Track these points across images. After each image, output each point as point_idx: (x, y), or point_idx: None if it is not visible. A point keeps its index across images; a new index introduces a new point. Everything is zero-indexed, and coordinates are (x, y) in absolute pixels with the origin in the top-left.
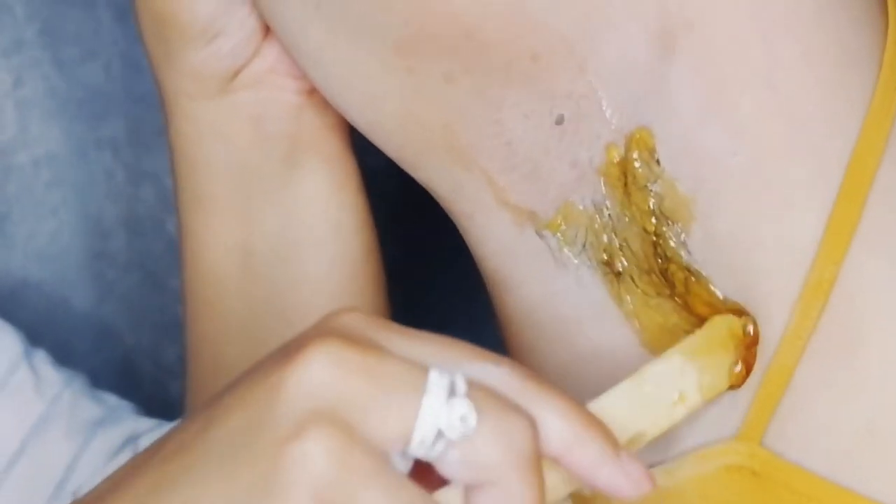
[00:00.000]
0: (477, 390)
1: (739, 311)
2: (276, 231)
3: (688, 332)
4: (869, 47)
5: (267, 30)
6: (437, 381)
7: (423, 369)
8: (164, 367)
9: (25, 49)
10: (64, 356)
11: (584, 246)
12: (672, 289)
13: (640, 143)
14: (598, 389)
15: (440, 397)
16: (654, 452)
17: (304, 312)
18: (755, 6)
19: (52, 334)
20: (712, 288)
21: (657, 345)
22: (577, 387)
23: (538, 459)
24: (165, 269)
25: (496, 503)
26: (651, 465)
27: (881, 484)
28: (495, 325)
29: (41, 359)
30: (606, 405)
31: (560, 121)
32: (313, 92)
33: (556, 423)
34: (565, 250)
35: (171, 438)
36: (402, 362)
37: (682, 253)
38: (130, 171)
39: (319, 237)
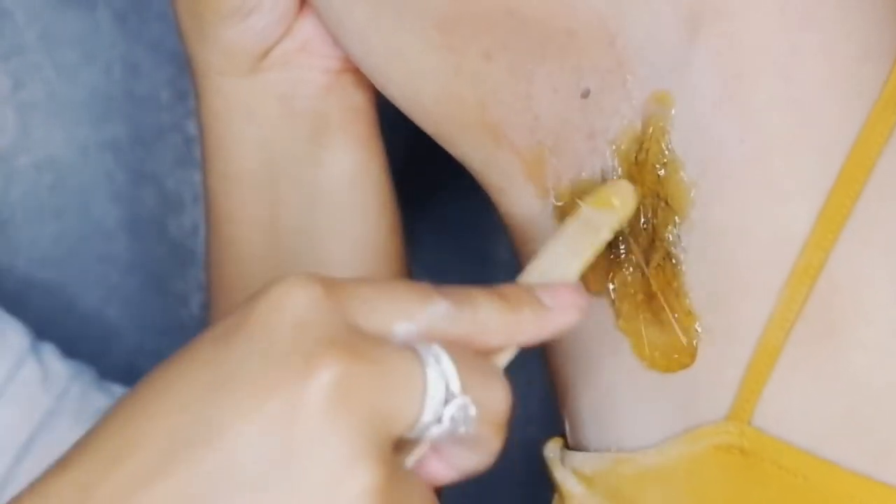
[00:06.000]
0: (463, 368)
1: (688, 316)
2: (301, 210)
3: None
4: (889, 41)
5: (300, 9)
6: (434, 381)
7: (418, 364)
8: None
9: (26, 53)
10: (68, 359)
11: None
12: (647, 264)
13: (655, 121)
14: (597, 373)
15: (440, 392)
16: (645, 436)
17: None
18: None
19: (56, 337)
20: (682, 278)
21: (628, 325)
22: (583, 366)
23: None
24: (168, 272)
25: (471, 456)
26: (642, 448)
27: (862, 461)
28: None
29: (49, 352)
30: (545, 266)
31: (586, 94)
32: (342, 72)
33: (493, 323)
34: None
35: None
36: (399, 360)
37: (671, 237)
38: (132, 173)
39: (344, 218)
